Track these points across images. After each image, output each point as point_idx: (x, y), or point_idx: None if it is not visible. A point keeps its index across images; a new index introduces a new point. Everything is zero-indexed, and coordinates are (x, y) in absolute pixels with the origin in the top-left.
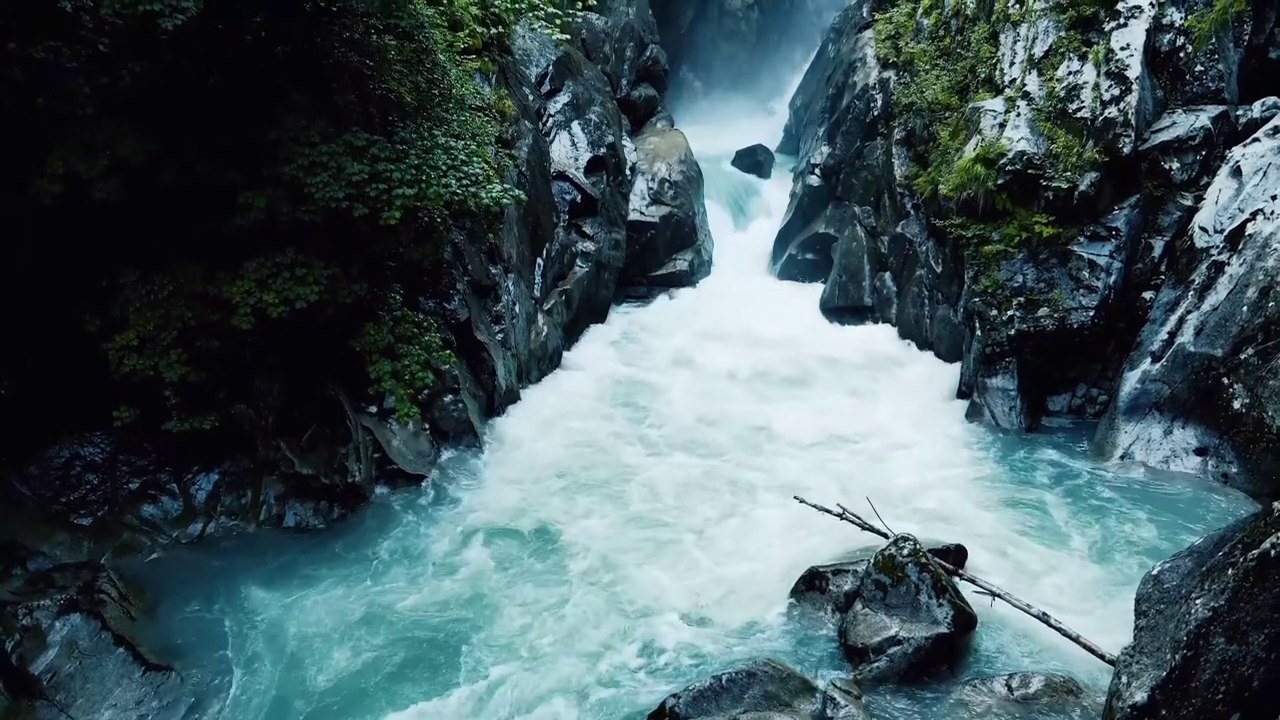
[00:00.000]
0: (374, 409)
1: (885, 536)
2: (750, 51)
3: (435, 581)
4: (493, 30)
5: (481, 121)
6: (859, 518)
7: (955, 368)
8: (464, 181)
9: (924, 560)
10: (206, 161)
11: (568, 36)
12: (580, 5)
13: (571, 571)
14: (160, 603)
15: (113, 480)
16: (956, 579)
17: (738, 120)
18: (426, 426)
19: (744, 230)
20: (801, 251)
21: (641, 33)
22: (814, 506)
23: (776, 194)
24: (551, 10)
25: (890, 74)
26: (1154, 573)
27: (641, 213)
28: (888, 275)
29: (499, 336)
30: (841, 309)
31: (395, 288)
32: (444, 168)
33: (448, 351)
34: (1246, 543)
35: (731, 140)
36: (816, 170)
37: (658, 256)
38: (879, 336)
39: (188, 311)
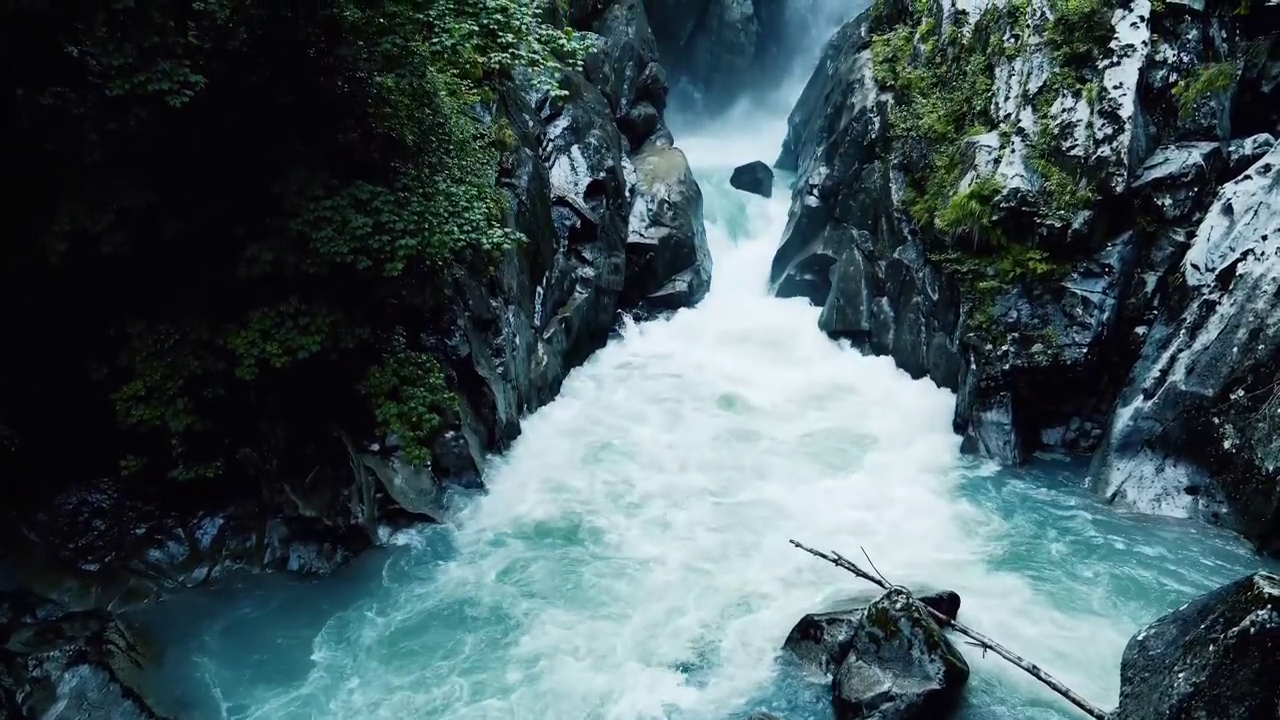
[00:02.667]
0: (376, 447)
1: (879, 584)
2: (749, 63)
3: (432, 635)
4: (494, 58)
5: (481, 163)
6: (853, 564)
7: (951, 398)
8: (465, 228)
9: (916, 615)
10: (212, 214)
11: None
12: (578, 58)
13: (566, 620)
14: (166, 651)
15: (119, 525)
16: (949, 628)
17: (737, 132)
18: (428, 463)
19: (743, 248)
20: (800, 272)
21: (641, 51)
22: (809, 550)
23: (775, 211)
24: (552, 65)
25: (888, 97)
26: (1139, 638)
27: (641, 234)
28: (885, 300)
29: (499, 370)
30: (839, 332)
31: (398, 329)
32: (445, 214)
33: (451, 394)
34: (1228, 618)
35: (731, 153)
36: (815, 191)
37: (657, 278)
38: (876, 362)
39: (194, 360)
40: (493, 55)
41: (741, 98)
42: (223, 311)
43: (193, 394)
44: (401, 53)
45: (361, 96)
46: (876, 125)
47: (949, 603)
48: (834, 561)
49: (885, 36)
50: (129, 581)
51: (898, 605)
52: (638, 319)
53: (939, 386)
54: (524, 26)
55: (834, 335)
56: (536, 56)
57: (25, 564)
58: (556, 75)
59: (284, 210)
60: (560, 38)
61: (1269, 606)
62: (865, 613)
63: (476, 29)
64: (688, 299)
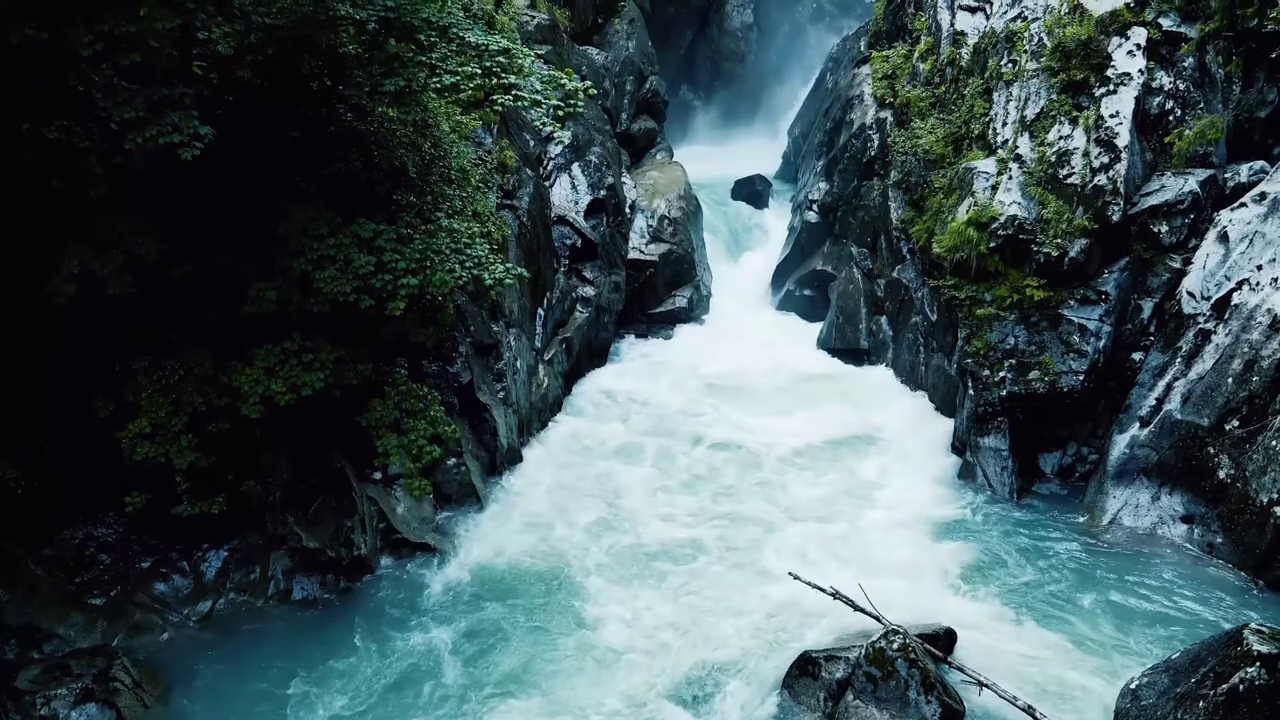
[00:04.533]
0: (378, 475)
1: (876, 619)
2: (749, 71)
3: (434, 663)
4: (497, 99)
5: (482, 191)
6: (851, 600)
7: (949, 421)
8: (468, 264)
9: (913, 655)
10: (218, 253)
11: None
12: (579, 100)
13: (565, 656)
14: (173, 688)
15: (125, 559)
16: (945, 665)
17: (737, 140)
18: (430, 492)
19: (743, 261)
20: (799, 287)
21: (641, 65)
22: (808, 584)
23: (775, 224)
24: (553, 104)
25: (887, 114)
26: (1132, 686)
27: (641, 251)
28: (884, 319)
29: (501, 395)
30: (839, 350)
31: (400, 361)
32: (447, 251)
33: (453, 426)
34: (1218, 673)
35: (730, 162)
36: (814, 206)
37: (657, 294)
38: (876, 382)
39: (198, 397)
40: (495, 96)
41: (742, 105)
42: (227, 347)
43: (197, 430)
44: (405, 92)
45: (364, 126)
46: (875, 142)
47: (945, 639)
48: (832, 596)
49: (884, 53)
50: (134, 616)
51: (894, 645)
52: (638, 336)
53: (937, 407)
54: (526, 66)
55: (833, 353)
56: (539, 97)
57: (32, 598)
58: (559, 114)
59: (288, 249)
60: (562, 78)
61: (1258, 664)
62: (863, 651)
63: (479, 71)
64: (688, 314)
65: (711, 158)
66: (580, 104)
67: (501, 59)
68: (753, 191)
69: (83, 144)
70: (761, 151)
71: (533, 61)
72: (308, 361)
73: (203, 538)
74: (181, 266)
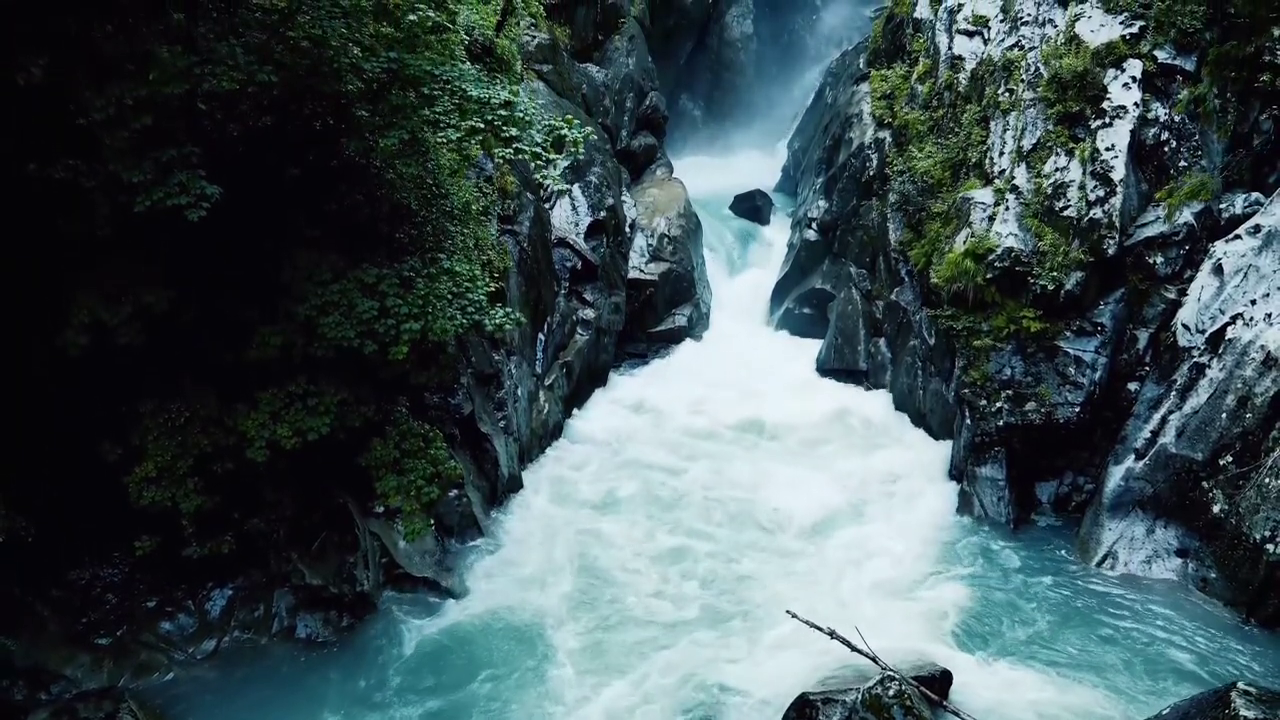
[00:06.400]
0: (381, 509)
1: (874, 661)
2: (749, 81)
3: (435, 700)
4: (498, 153)
5: (484, 224)
6: (847, 640)
7: (947, 446)
8: (469, 310)
9: (909, 703)
10: (223, 298)
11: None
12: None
13: (565, 696)
14: None
15: (131, 598)
16: (942, 710)
17: (737, 149)
18: (432, 522)
19: (742, 277)
20: (799, 306)
21: (641, 82)
22: (805, 623)
23: (775, 238)
24: (551, 157)
25: (885, 134)
26: None
27: (641, 270)
28: (882, 341)
29: (501, 424)
30: (837, 371)
31: (401, 400)
32: (449, 296)
33: (455, 464)
34: None
35: (730, 173)
36: (813, 225)
37: (656, 313)
38: (874, 406)
39: (204, 439)
40: (497, 150)
41: (741, 116)
42: (232, 388)
43: (202, 472)
44: (408, 144)
45: (366, 161)
46: (874, 163)
47: (941, 681)
48: (829, 635)
49: (883, 72)
50: (140, 655)
51: (890, 692)
52: (637, 356)
53: (934, 431)
54: (527, 117)
55: (831, 374)
56: (539, 149)
57: (39, 639)
58: (557, 168)
59: (292, 295)
60: (563, 127)
61: None
62: (859, 697)
63: (482, 125)
64: (687, 333)
65: (711, 168)
66: (580, 152)
67: (503, 112)
68: (752, 207)
69: (89, 184)
70: (761, 163)
71: (534, 110)
72: (312, 405)
73: (207, 576)
74: (188, 312)
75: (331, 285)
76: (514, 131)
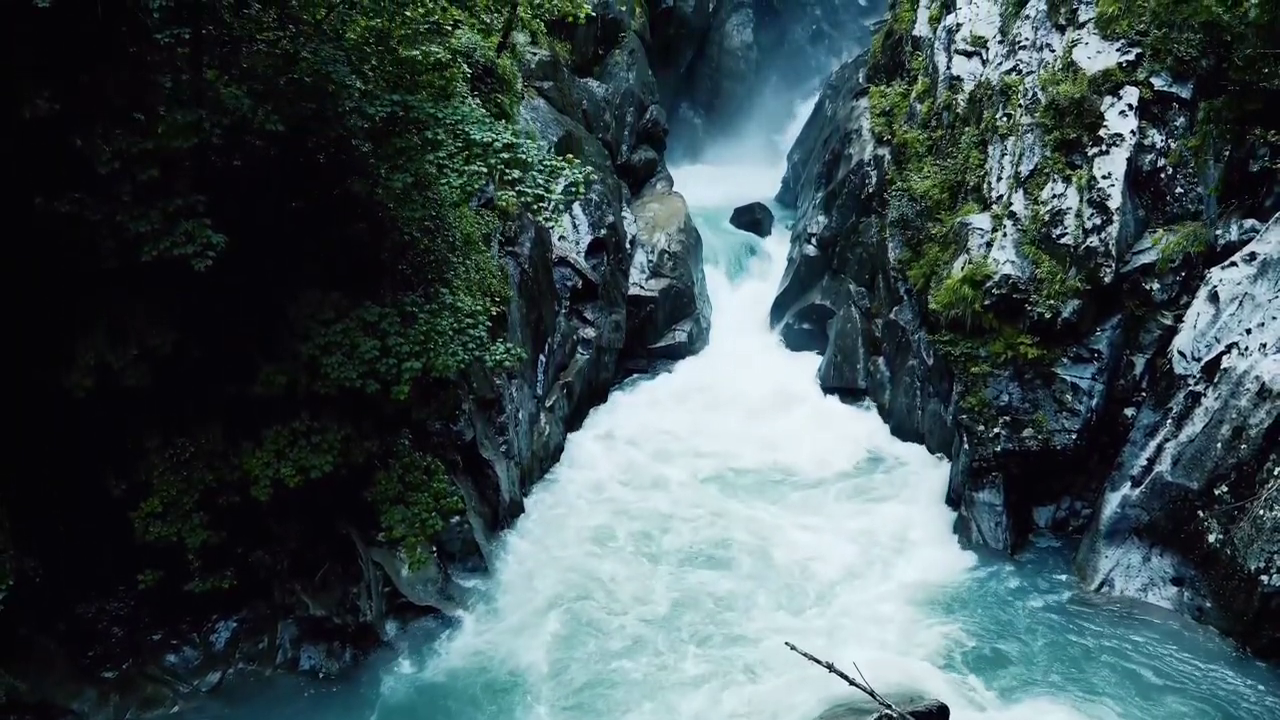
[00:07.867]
0: (383, 537)
1: (871, 695)
2: (749, 90)
3: None
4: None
5: (485, 252)
6: (844, 674)
7: (945, 468)
8: (470, 346)
9: None
10: (228, 336)
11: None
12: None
13: None
14: None
15: (136, 631)
16: None
17: (737, 157)
18: (434, 550)
19: (742, 290)
20: (798, 321)
21: (641, 96)
22: (803, 655)
23: (775, 251)
24: (555, 198)
25: (885, 152)
26: None
27: (641, 287)
28: (881, 360)
29: (503, 448)
30: (837, 388)
31: (404, 432)
32: (450, 332)
33: (458, 496)
34: None
35: (730, 182)
36: (813, 240)
37: (657, 329)
38: (873, 425)
39: (209, 474)
40: (499, 193)
41: (741, 124)
42: (237, 423)
43: (207, 506)
44: (413, 186)
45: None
46: (874, 179)
47: (938, 716)
48: (827, 669)
49: (882, 89)
50: (146, 689)
51: None
52: (638, 373)
53: (932, 454)
54: (529, 158)
55: (832, 390)
56: (541, 191)
57: (46, 674)
58: (559, 209)
59: (295, 332)
60: (564, 168)
61: None
62: None
63: (484, 170)
64: (688, 348)
65: (711, 178)
66: (582, 193)
67: (505, 154)
68: (753, 219)
69: (94, 217)
70: (761, 173)
71: (536, 151)
72: (316, 443)
73: (212, 608)
74: (192, 351)
75: (334, 325)
76: (517, 174)
